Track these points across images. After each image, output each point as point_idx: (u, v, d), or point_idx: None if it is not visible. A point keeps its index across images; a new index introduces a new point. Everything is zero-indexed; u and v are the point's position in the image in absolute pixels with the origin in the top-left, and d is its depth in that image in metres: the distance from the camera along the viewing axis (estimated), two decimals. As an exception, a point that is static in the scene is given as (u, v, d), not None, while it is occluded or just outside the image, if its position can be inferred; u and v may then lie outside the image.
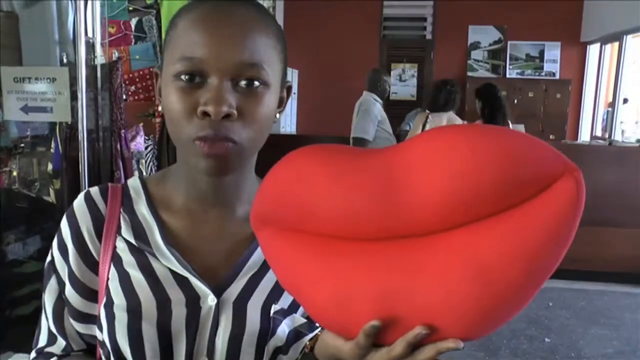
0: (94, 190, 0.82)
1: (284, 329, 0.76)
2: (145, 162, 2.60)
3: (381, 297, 0.56)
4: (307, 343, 0.70)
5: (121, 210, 0.80)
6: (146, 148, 2.60)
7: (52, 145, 2.37)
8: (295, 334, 0.77)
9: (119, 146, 2.23)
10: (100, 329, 0.76)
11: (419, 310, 0.55)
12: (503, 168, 0.53)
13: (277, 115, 0.79)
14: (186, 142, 0.71)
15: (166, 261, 0.76)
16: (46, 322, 0.81)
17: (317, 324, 0.75)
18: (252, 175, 0.82)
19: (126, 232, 0.78)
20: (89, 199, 0.80)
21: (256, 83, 0.71)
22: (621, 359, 3.41)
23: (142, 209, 0.81)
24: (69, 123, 2.21)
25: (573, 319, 3.95)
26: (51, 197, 2.40)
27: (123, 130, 2.25)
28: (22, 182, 2.52)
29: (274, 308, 0.76)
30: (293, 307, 0.78)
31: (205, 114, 0.68)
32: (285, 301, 0.77)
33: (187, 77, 0.70)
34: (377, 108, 4.45)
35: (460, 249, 0.54)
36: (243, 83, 0.70)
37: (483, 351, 3.44)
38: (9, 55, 2.26)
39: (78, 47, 2.08)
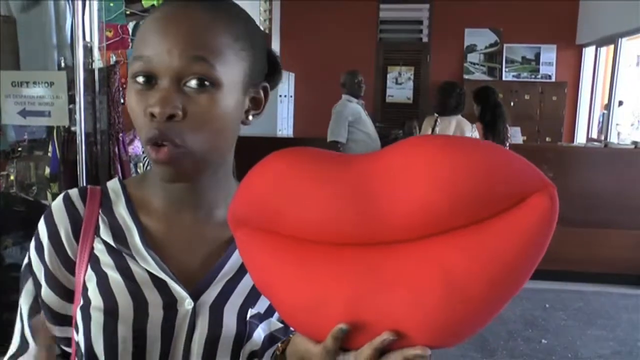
0: (73, 192, 0.81)
1: (259, 333, 0.76)
2: (143, 165, 2.60)
3: (351, 303, 0.56)
4: (279, 345, 0.70)
5: (100, 212, 0.79)
6: (143, 151, 2.61)
7: (50, 149, 2.38)
8: (271, 339, 0.77)
9: (117, 149, 2.23)
10: (77, 331, 0.75)
11: (388, 316, 0.55)
12: (479, 181, 0.53)
13: (250, 118, 0.77)
14: (144, 144, 0.72)
15: (145, 264, 0.75)
16: (20, 327, 0.80)
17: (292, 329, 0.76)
18: (228, 179, 0.81)
19: (104, 234, 0.78)
20: (67, 200, 0.79)
21: (206, 83, 0.69)
22: (618, 359, 3.42)
23: (121, 211, 0.80)
24: (67, 127, 2.21)
25: (570, 320, 3.97)
26: (49, 201, 2.40)
27: (121, 134, 2.26)
28: (20, 186, 2.53)
29: (250, 312, 0.76)
30: (269, 312, 0.78)
31: (152, 115, 0.68)
32: (261, 305, 0.77)
33: (140, 79, 0.69)
34: (350, 108, 4.46)
35: (431, 259, 0.54)
36: (193, 84, 0.68)
37: (480, 352, 3.45)
38: (7, 60, 2.26)
39: (76, 51, 2.08)
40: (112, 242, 0.77)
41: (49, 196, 2.43)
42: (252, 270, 0.65)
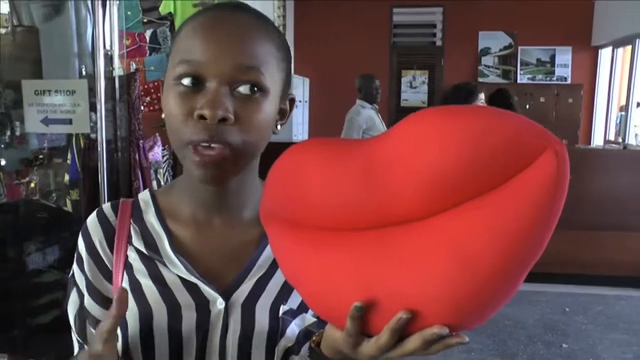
0: (106, 206, 0.85)
1: (293, 329, 0.77)
2: (163, 171, 2.62)
3: (366, 285, 0.56)
4: (314, 338, 0.71)
5: (131, 221, 0.83)
6: (163, 157, 2.63)
7: (69, 156, 2.41)
8: (306, 334, 0.78)
9: (137, 156, 2.25)
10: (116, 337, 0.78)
11: (403, 297, 0.55)
12: (481, 148, 0.51)
13: (279, 127, 0.79)
14: (182, 146, 0.72)
15: (175, 269, 0.78)
16: (73, 333, 0.85)
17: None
18: (255, 181, 0.83)
19: (137, 242, 0.81)
20: (100, 214, 0.84)
21: (255, 89, 0.71)
22: (640, 364, 3.38)
23: (151, 220, 0.83)
24: (87, 134, 2.24)
25: (590, 325, 3.92)
26: (68, 208, 2.43)
27: (141, 141, 2.28)
28: (40, 193, 2.56)
29: (283, 309, 0.77)
30: (302, 307, 0.79)
31: (202, 117, 0.69)
32: (294, 301, 0.79)
33: (186, 81, 0.70)
34: (364, 115, 4.44)
35: (442, 234, 0.53)
36: (241, 88, 0.70)
37: (500, 357, 3.42)
38: (30, 69, 2.30)
39: (97, 59, 2.10)
40: (144, 250, 0.80)
41: (69, 203, 2.46)
42: (281, 262, 0.66)
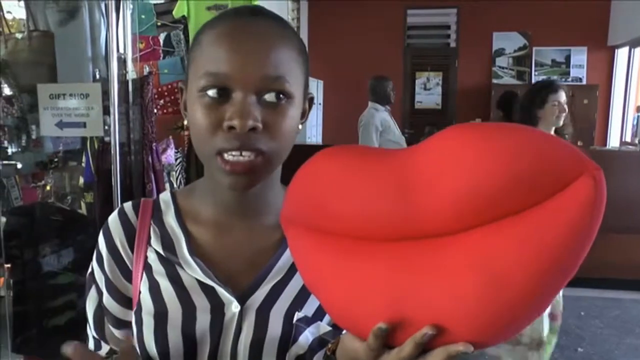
0: (127, 205, 0.86)
1: (307, 336, 0.77)
2: (176, 174, 2.64)
3: (393, 298, 0.56)
4: (330, 346, 0.71)
5: (151, 222, 0.84)
6: (175, 160, 2.64)
7: (83, 159, 2.43)
8: (320, 342, 0.78)
9: (150, 159, 2.26)
10: (132, 334, 0.80)
11: (430, 312, 0.54)
12: (518, 167, 0.51)
13: (300, 127, 0.80)
14: (210, 156, 0.73)
15: (191, 271, 0.79)
16: (90, 330, 0.86)
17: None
18: (277, 186, 0.84)
19: (155, 243, 0.82)
20: (122, 213, 0.85)
21: (280, 96, 0.72)
22: (658, 369, 3.33)
23: (171, 221, 0.84)
24: (101, 137, 2.26)
25: (606, 329, 3.88)
26: (82, 211, 2.46)
27: (154, 144, 2.29)
28: (56, 195, 2.58)
29: (297, 315, 0.78)
30: (318, 315, 0.79)
31: (231, 128, 0.70)
32: (309, 309, 0.79)
33: (212, 92, 0.71)
34: (378, 118, 4.41)
35: (473, 252, 0.53)
36: (267, 96, 0.71)
37: (514, 361, 3.39)
38: (46, 73, 2.32)
39: (110, 63, 2.12)
40: (161, 251, 0.81)
41: (83, 206, 2.48)
42: (300, 268, 0.66)
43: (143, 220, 0.84)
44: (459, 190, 0.53)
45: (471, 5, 7.58)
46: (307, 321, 0.78)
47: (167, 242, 0.82)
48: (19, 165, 2.57)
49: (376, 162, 0.60)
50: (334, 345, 0.69)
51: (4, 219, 2.35)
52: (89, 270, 0.86)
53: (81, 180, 2.52)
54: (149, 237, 0.83)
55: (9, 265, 2.32)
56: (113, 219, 0.85)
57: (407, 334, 0.56)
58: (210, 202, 0.83)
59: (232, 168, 0.71)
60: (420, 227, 0.56)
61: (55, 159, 2.59)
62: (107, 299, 0.83)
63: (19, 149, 2.55)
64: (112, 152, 2.15)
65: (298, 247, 0.66)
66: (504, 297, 0.51)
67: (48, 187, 2.59)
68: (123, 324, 0.83)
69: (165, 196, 0.88)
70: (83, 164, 2.45)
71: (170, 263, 0.80)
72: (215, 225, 0.82)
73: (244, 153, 0.71)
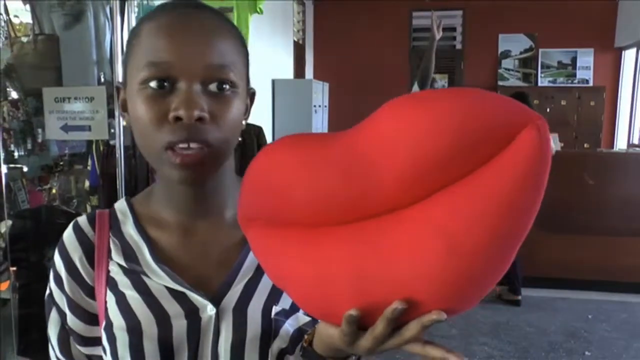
0: (82, 220, 0.82)
1: (287, 329, 0.76)
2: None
3: (358, 279, 0.56)
4: (306, 337, 0.70)
5: (110, 234, 0.80)
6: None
7: (89, 162, 2.43)
8: (300, 333, 0.76)
9: (154, 162, 2.27)
10: (104, 351, 0.77)
11: (397, 287, 0.54)
12: (460, 128, 0.50)
13: (244, 122, 0.78)
14: (159, 152, 0.70)
15: (159, 279, 0.76)
16: (53, 353, 0.82)
17: None
18: (233, 180, 0.82)
19: (116, 256, 0.79)
20: (77, 229, 0.81)
21: (226, 86, 0.70)
22: (666, 373, 3.30)
23: (130, 230, 0.81)
24: (106, 140, 2.26)
25: (614, 332, 3.85)
26: (89, 213, 2.46)
27: (159, 147, 2.29)
28: (61, 199, 2.59)
29: (275, 309, 0.76)
30: (295, 306, 0.78)
31: (178, 118, 0.67)
32: (286, 301, 0.77)
33: (155, 83, 0.68)
34: None
35: (427, 220, 0.53)
36: (213, 86, 0.70)
37: (521, 365, 3.37)
38: (51, 76, 2.33)
39: (115, 66, 2.13)
40: (124, 263, 0.78)
41: (89, 209, 2.49)
42: (265, 266, 0.65)
43: (101, 233, 0.80)
44: (405, 161, 0.52)
45: (477, 7, 7.57)
46: (286, 314, 0.77)
47: (129, 252, 0.79)
48: (25, 169, 2.57)
49: (322, 146, 0.59)
50: (310, 336, 0.69)
51: (9, 222, 2.36)
52: (47, 291, 0.82)
53: (87, 183, 2.52)
54: (109, 250, 0.79)
55: (14, 268, 2.33)
56: (68, 235, 0.80)
57: (378, 313, 0.55)
58: (169, 205, 0.80)
59: (182, 160, 0.68)
60: (375, 205, 0.56)
61: (61, 162, 2.59)
62: (71, 319, 0.79)
63: (25, 153, 2.55)
64: (117, 155, 2.15)
65: (260, 246, 0.65)
66: (465, 260, 0.51)
67: (54, 191, 2.60)
68: (91, 342, 0.80)
69: (120, 205, 0.84)
70: (89, 167, 2.46)
71: (135, 273, 0.77)
72: (177, 228, 0.80)
73: (191, 145, 0.68)
